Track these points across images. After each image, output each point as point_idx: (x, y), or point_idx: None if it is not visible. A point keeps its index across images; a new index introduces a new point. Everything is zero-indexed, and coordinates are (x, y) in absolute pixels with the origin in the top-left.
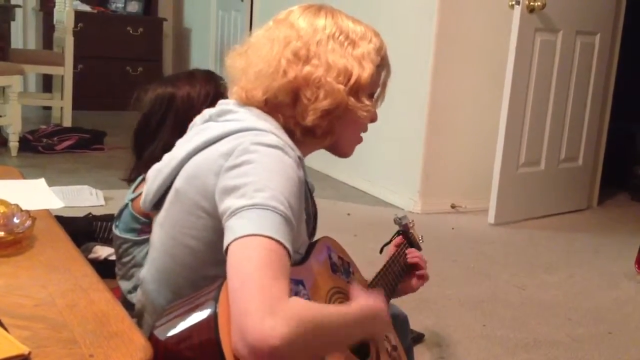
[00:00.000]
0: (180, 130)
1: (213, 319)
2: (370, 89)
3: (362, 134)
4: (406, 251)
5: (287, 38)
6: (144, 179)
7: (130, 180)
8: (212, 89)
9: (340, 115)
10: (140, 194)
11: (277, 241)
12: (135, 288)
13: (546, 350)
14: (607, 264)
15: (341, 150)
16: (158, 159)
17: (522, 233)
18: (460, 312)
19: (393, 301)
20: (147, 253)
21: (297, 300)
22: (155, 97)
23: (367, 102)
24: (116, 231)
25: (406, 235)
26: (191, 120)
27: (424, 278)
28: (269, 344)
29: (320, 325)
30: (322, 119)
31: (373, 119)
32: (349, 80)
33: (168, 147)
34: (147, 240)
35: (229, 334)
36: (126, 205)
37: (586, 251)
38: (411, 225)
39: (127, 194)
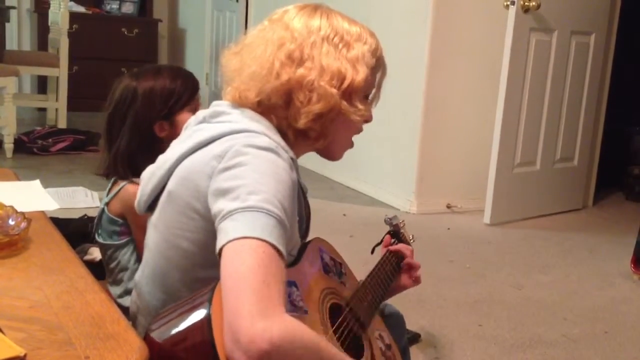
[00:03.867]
0: (139, 131)
1: (207, 321)
2: (364, 91)
3: (357, 135)
4: (391, 244)
5: (281, 39)
6: (115, 182)
7: (103, 175)
8: (178, 86)
9: (333, 118)
10: (114, 196)
11: (271, 244)
12: (125, 292)
13: (542, 350)
14: (602, 264)
15: (331, 153)
16: (122, 156)
17: (517, 233)
18: (456, 312)
19: (389, 300)
20: (131, 255)
21: (291, 317)
22: (120, 91)
23: (361, 106)
24: (99, 239)
25: (397, 235)
26: (151, 120)
27: (413, 268)
28: (259, 346)
29: (311, 347)
30: (314, 122)
31: (368, 119)
32: (342, 83)
33: (129, 149)
34: (129, 242)
35: (222, 335)
36: (102, 210)
37: (582, 251)
38: (402, 225)
39: (103, 198)
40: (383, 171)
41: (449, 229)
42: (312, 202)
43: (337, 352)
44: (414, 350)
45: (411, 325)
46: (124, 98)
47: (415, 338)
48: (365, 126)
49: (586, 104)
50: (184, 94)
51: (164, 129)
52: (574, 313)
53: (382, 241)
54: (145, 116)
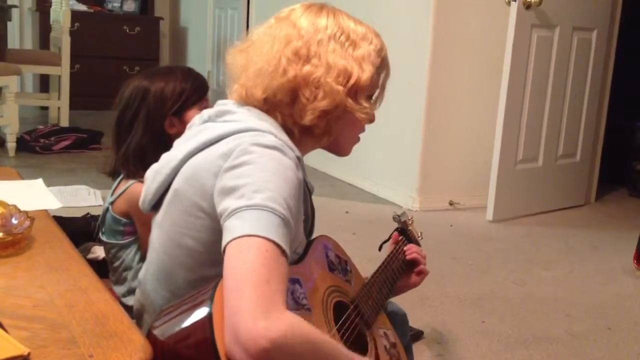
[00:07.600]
0: (151, 128)
1: (208, 319)
2: (369, 91)
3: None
4: (404, 248)
5: (288, 37)
6: (120, 181)
7: (107, 174)
8: (189, 86)
9: (339, 116)
10: (119, 196)
11: (274, 242)
12: (129, 291)
13: (545, 347)
14: (605, 260)
15: (339, 149)
16: (133, 152)
17: (520, 229)
18: (459, 309)
19: (393, 298)
20: (135, 254)
21: (293, 314)
22: (131, 91)
23: (366, 104)
24: (103, 237)
25: (405, 232)
26: (162, 117)
27: (423, 273)
28: (259, 344)
29: (313, 345)
30: (320, 119)
31: (371, 120)
32: (348, 81)
33: (140, 146)
34: (133, 242)
35: (223, 333)
36: (107, 209)
37: (584, 247)
38: (410, 222)
39: (107, 197)
40: (385, 168)
41: (451, 225)
42: (314, 199)
43: (339, 347)
44: (419, 347)
45: (414, 322)
46: (136, 96)
47: (418, 335)
48: None
49: (588, 100)
50: (194, 93)
51: (173, 125)
52: (577, 309)
53: (389, 238)
54: (157, 113)
